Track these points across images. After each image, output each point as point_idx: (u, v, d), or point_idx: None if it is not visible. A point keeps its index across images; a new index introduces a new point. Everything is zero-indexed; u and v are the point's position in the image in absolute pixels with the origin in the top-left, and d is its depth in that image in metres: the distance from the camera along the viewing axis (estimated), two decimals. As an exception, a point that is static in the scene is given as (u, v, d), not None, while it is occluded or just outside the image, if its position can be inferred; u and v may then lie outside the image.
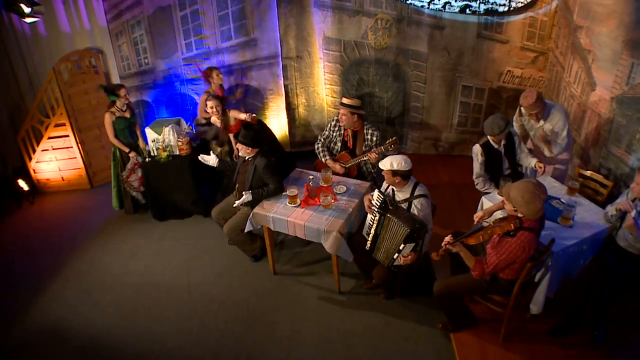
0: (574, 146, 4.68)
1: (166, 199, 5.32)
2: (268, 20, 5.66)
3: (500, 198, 3.86)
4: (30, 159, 6.00)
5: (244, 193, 4.20)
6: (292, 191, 4.14)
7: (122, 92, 5.04)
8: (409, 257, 3.48)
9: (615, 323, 3.53)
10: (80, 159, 6.01)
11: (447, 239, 3.14)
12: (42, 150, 5.95)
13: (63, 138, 5.87)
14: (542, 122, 4.21)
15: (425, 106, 5.90)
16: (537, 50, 5.30)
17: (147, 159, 5.14)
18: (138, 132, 5.36)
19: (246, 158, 4.34)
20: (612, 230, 3.49)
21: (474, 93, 5.69)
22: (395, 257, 3.53)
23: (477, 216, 3.68)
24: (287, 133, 6.42)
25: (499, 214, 3.57)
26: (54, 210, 5.88)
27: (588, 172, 4.13)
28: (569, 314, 3.55)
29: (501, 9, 5.06)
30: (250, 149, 4.23)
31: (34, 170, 6.07)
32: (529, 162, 4.17)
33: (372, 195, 3.71)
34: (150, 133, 5.11)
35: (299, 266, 4.66)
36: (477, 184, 4.27)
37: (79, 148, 5.94)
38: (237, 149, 4.55)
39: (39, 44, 5.73)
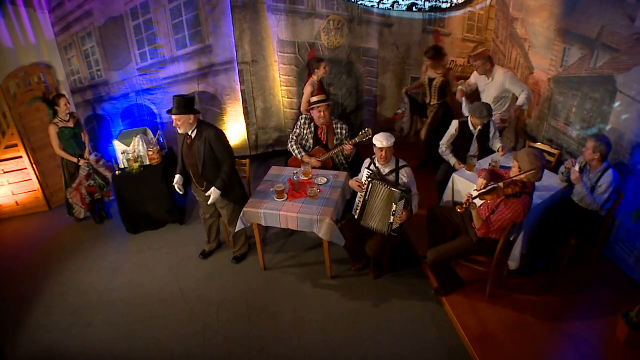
0: (518, 124, 5.34)
1: (139, 210, 5.25)
2: (223, 26, 5.76)
3: (468, 174, 4.38)
4: (-22, 185, 5.60)
5: (211, 191, 4.09)
6: (278, 186, 4.32)
7: (62, 101, 4.97)
8: (404, 214, 3.88)
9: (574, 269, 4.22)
10: (36, 180, 5.69)
11: (468, 195, 3.48)
12: (-8, 175, 5.58)
13: (15, 160, 5.53)
14: (490, 79, 5.08)
15: (378, 99, 6.33)
16: (476, 40, 5.96)
17: (117, 172, 5.06)
18: (86, 141, 5.31)
19: (189, 134, 4.05)
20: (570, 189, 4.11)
21: (422, 84, 6.21)
22: (391, 220, 3.92)
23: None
24: (246, 137, 6.55)
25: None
26: (14, 236, 5.53)
27: (537, 143, 4.76)
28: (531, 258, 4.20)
29: (444, 5, 5.61)
30: (192, 117, 3.94)
31: (-18, 197, 5.67)
32: (496, 146, 4.72)
33: (357, 178, 4.14)
34: (118, 145, 5.03)
35: (286, 259, 4.85)
36: (440, 148, 4.82)
37: (33, 169, 5.62)
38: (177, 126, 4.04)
39: (-23, 62, 5.37)
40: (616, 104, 4.02)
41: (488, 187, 3.48)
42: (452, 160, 4.69)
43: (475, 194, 3.50)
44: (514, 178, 3.45)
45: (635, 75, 3.79)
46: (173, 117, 3.95)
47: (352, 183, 4.16)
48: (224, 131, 4.25)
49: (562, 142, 4.70)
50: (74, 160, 5.15)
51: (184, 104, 3.89)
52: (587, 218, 4.00)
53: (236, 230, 4.42)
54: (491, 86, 5.13)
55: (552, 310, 3.87)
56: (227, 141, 4.16)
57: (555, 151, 4.60)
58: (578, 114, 4.44)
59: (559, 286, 4.11)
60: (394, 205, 3.87)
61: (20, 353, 3.97)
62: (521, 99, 4.95)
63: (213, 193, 4.13)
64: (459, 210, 3.47)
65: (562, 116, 4.64)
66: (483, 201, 3.65)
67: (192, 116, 3.96)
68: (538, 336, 3.64)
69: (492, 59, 5.17)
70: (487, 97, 5.19)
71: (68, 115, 5.08)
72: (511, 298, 4.00)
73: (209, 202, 4.21)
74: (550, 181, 4.22)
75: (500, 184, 3.49)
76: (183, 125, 3.96)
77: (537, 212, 4.02)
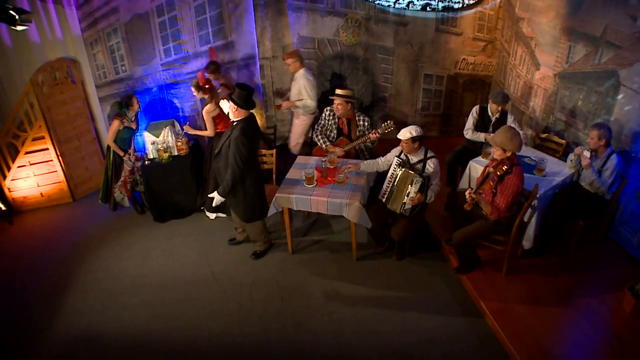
0: (524, 117, 5.70)
1: (167, 199, 5.45)
2: (245, 23, 6.01)
3: (484, 161, 4.71)
4: (5, 177, 5.73)
5: (214, 195, 4.28)
6: (308, 173, 4.57)
7: (134, 100, 5.22)
8: (417, 196, 4.18)
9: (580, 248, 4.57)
10: (62, 172, 5.87)
11: (469, 191, 3.85)
12: (18, 167, 5.71)
13: (42, 152, 5.70)
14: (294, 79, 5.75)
15: (393, 95, 6.66)
16: (486, 39, 6.33)
17: (146, 162, 5.26)
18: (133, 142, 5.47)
19: (232, 121, 4.23)
20: (577, 175, 4.46)
21: (434, 80, 6.58)
22: (405, 201, 4.24)
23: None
24: (265, 130, 6.78)
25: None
26: (41, 226, 5.68)
27: (544, 134, 5.12)
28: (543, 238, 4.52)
29: (456, 5, 5.97)
30: (237, 109, 4.09)
31: (8, 188, 5.79)
32: None
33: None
34: (148, 136, 5.22)
35: (311, 244, 5.10)
36: (467, 133, 5.19)
37: (59, 161, 5.80)
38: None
39: (4, 56, 5.49)
40: (620, 96, 4.39)
41: (482, 179, 3.89)
42: (482, 136, 5.04)
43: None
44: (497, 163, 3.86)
45: (638, 70, 4.15)
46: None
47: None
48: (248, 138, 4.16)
49: (569, 133, 5.06)
50: (121, 153, 5.32)
51: (244, 98, 4.08)
52: (593, 201, 4.35)
53: (268, 215, 4.62)
54: (294, 86, 5.72)
55: (563, 285, 4.19)
56: (241, 151, 4.08)
57: (563, 141, 4.96)
58: (584, 106, 4.81)
59: (569, 264, 4.44)
60: (409, 187, 4.19)
61: (58, 336, 4.08)
62: (299, 102, 5.72)
63: (215, 196, 4.29)
64: (467, 208, 3.87)
65: (568, 109, 5.01)
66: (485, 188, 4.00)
67: (241, 109, 4.13)
68: (552, 309, 3.95)
69: (302, 59, 5.70)
70: (292, 96, 5.80)
71: (134, 116, 5.32)
72: (526, 275, 4.32)
73: (213, 204, 4.38)
74: (560, 168, 4.57)
75: (490, 169, 3.87)
76: (233, 113, 4.16)
77: (548, 196, 4.35)
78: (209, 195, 4.37)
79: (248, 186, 4.34)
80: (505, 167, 3.78)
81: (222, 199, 4.28)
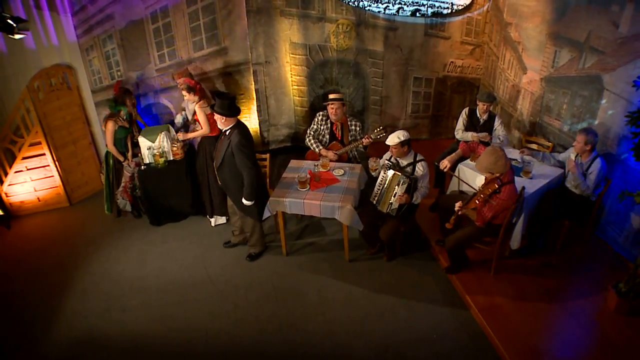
0: (512, 120, 5.84)
1: (162, 203, 5.53)
2: (238, 29, 6.10)
3: (472, 164, 4.82)
4: (2, 182, 5.80)
5: (245, 202, 4.43)
6: (301, 177, 4.68)
7: (129, 101, 5.29)
8: (403, 196, 4.32)
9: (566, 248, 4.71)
10: (58, 177, 5.94)
11: (459, 204, 3.98)
12: (15, 172, 5.78)
13: (38, 157, 5.77)
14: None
15: (383, 98, 6.78)
16: (473, 43, 6.46)
17: (142, 167, 5.34)
18: (129, 142, 5.48)
19: (224, 130, 4.34)
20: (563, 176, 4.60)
21: (423, 83, 6.71)
22: (392, 201, 4.38)
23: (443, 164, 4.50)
24: (259, 134, 6.90)
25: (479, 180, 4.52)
26: (38, 230, 5.75)
27: (533, 137, 5.26)
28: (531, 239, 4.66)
29: (445, 11, 6.09)
30: (225, 118, 4.21)
31: (6, 194, 5.86)
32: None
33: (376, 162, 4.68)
34: (143, 141, 5.29)
35: (305, 246, 5.21)
36: (457, 133, 5.33)
37: (56, 166, 5.87)
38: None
39: (0, 63, 5.55)
40: (603, 100, 4.53)
41: (469, 199, 4.03)
42: (469, 135, 5.15)
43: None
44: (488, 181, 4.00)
45: (620, 74, 4.28)
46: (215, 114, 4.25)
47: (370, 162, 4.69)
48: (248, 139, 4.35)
49: (554, 136, 5.20)
50: (121, 158, 5.40)
51: (227, 106, 4.19)
52: (579, 203, 4.48)
53: (263, 219, 4.74)
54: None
55: (550, 284, 4.33)
56: (247, 152, 4.26)
57: (549, 144, 5.10)
58: (569, 110, 4.95)
59: (556, 264, 4.58)
60: (396, 188, 4.32)
61: (58, 339, 4.16)
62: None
63: (246, 203, 4.46)
64: (448, 227, 4.02)
65: (554, 112, 5.15)
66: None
67: (229, 118, 4.24)
68: (539, 307, 4.09)
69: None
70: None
71: (127, 115, 5.37)
72: (513, 275, 4.46)
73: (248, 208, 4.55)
74: (546, 170, 4.70)
75: (480, 186, 4.03)
76: (222, 123, 4.27)
77: (535, 197, 4.48)
78: (244, 202, 4.48)
79: (259, 186, 4.51)
80: (496, 185, 3.91)
81: (252, 202, 4.43)
